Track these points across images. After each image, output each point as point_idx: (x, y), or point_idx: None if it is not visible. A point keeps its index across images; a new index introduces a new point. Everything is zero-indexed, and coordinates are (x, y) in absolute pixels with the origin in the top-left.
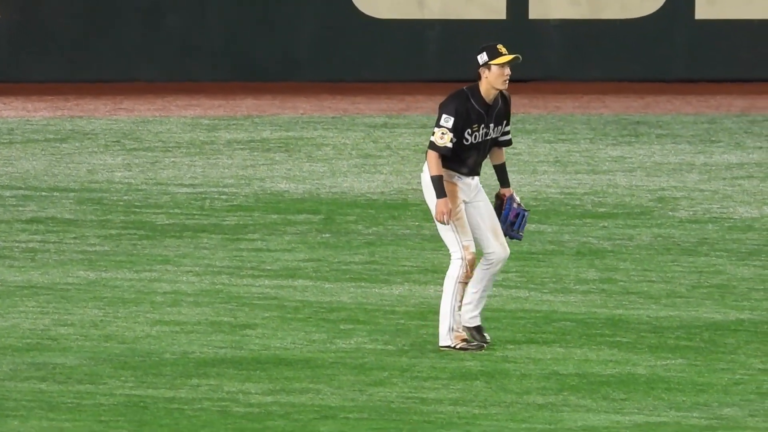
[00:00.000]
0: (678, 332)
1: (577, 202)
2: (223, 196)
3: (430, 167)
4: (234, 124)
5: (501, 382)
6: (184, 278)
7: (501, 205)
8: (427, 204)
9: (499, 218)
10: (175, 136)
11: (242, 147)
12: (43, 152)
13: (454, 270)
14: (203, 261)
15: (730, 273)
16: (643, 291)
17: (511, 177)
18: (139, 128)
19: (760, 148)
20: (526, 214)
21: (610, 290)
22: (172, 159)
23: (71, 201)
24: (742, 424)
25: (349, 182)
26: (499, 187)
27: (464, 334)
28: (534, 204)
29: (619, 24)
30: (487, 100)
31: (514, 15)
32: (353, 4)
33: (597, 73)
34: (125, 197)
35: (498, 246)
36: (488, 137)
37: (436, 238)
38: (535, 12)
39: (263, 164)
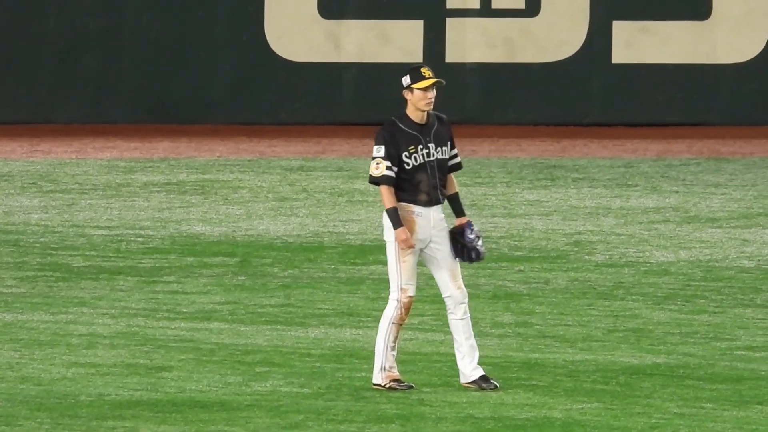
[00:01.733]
0: (594, 376)
1: (494, 246)
2: (140, 239)
3: (383, 201)
4: (150, 167)
5: (417, 425)
6: (100, 320)
7: (462, 232)
8: (385, 241)
9: (458, 248)
10: (92, 178)
11: (158, 189)
12: None
13: (389, 310)
14: (119, 303)
15: (646, 317)
16: (559, 335)
17: None
18: (56, 170)
19: (677, 192)
20: (477, 242)
21: (526, 334)
22: (89, 201)
23: None
24: None
25: (265, 225)
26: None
27: (396, 375)
28: None
29: (536, 67)
30: (416, 120)
31: (430, 57)
32: (269, 47)
33: (513, 116)
34: (42, 239)
35: (455, 289)
36: (433, 158)
37: (352, 281)
38: (452, 55)
39: (179, 207)
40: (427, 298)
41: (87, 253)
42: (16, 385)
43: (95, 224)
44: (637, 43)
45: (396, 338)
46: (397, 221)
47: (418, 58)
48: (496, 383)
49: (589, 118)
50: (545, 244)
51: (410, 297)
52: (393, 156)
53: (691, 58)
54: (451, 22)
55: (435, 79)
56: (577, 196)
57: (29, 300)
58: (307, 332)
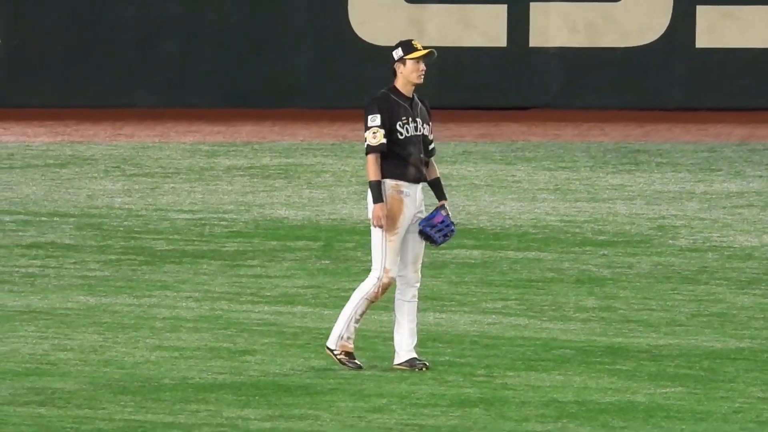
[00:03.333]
0: (677, 360)
1: (577, 230)
2: (223, 222)
3: (368, 172)
4: (233, 151)
5: (500, 409)
6: (184, 304)
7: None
8: (370, 219)
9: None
10: (175, 162)
11: (242, 173)
12: (42, 177)
13: (367, 285)
14: (202, 287)
15: (729, 301)
16: (643, 319)
17: (511, 204)
18: (139, 154)
19: (760, 176)
20: (452, 228)
21: (610, 318)
22: (172, 185)
23: (71, 226)
24: None
25: (348, 209)
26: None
27: (350, 348)
28: (533, 232)
29: (619, 52)
30: (405, 93)
31: (514, 43)
32: (353, 31)
33: (597, 101)
34: (125, 223)
35: (412, 272)
36: (419, 132)
37: (435, 265)
38: (535, 40)
39: (263, 191)
40: (510, 283)
41: (170, 237)
42: (100, 369)
43: (178, 208)
44: (721, 27)
45: (363, 314)
46: (378, 196)
47: (501, 42)
48: (426, 363)
49: (672, 102)
50: (629, 229)
51: (391, 278)
52: (387, 126)
53: None
54: (534, 7)
55: (427, 50)
56: (661, 180)
57: (113, 283)
58: (390, 316)
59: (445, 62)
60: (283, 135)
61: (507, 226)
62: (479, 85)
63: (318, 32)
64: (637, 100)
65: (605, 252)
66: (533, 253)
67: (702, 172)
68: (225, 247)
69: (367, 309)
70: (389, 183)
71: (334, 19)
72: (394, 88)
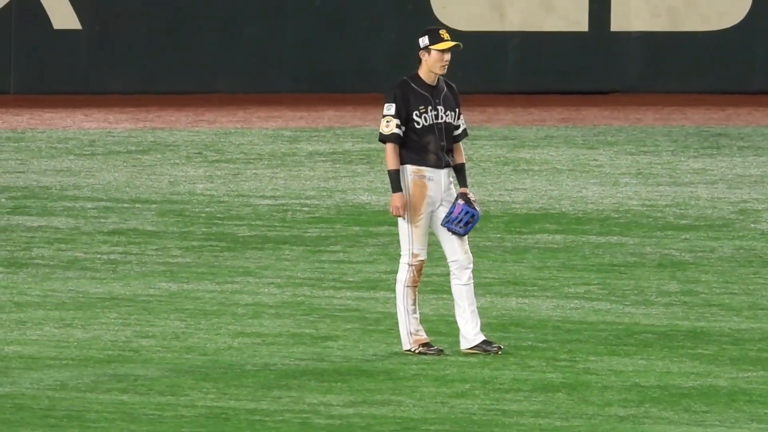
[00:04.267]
0: (760, 344)
1: (659, 214)
2: (305, 208)
3: (387, 161)
4: (315, 136)
5: (583, 394)
6: (266, 290)
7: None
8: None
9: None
10: (257, 148)
11: (324, 159)
12: (124, 164)
13: (402, 274)
14: (285, 273)
15: None
16: (725, 303)
17: (593, 189)
18: (221, 140)
19: None
20: (474, 213)
21: (692, 302)
22: (254, 171)
23: (153, 213)
24: None
25: None
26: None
27: (424, 338)
28: (615, 216)
29: (700, 36)
30: (428, 82)
31: (595, 27)
32: (434, 15)
33: (678, 85)
34: (207, 209)
35: (462, 254)
36: (441, 120)
37: (517, 250)
38: (616, 24)
39: (345, 176)
40: (592, 267)
41: (252, 223)
42: (182, 355)
43: (260, 194)
44: None
45: (414, 300)
46: (396, 185)
47: (583, 27)
48: (499, 346)
49: (753, 86)
50: (711, 213)
51: (421, 261)
52: (403, 115)
53: None
54: None
55: (453, 43)
56: (743, 164)
57: (195, 270)
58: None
59: (526, 47)
60: (365, 120)
61: (589, 211)
62: (561, 70)
63: (400, 17)
64: (718, 84)
65: (687, 236)
66: (615, 237)
67: None
68: (307, 232)
69: (415, 295)
70: (410, 168)
71: (416, 4)
72: (416, 75)
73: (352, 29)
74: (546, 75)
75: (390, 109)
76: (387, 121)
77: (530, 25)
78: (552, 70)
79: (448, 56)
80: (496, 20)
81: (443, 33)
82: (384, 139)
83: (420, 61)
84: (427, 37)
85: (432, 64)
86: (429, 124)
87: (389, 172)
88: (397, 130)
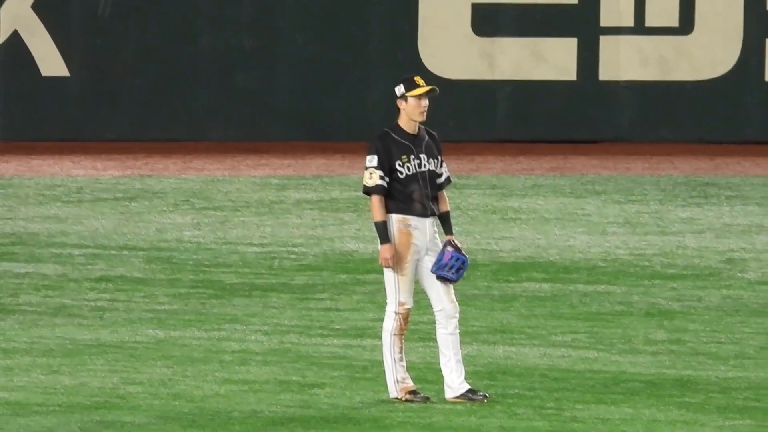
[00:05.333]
0: (746, 393)
1: (647, 263)
2: (293, 256)
3: (373, 213)
4: (303, 184)
5: None
6: (253, 337)
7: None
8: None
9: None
10: (245, 195)
11: (311, 207)
12: (112, 211)
13: (388, 322)
14: (272, 320)
15: None
16: (712, 352)
17: (581, 238)
18: (209, 187)
19: None
20: (464, 259)
21: (679, 351)
22: (242, 218)
23: (140, 260)
24: None
25: None
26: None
27: (410, 386)
28: (603, 265)
29: (690, 85)
30: (408, 131)
31: (584, 76)
32: (423, 65)
33: (667, 134)
34: (194, 256)
35: (448, 303)
36: (424, 168)
37: (505, 298)
38: (605, 73)
39: (332, 224)
40: (580, 316)
41: (240, 270)
42: (169, 402)
43: (248, 241)
44: None
45: (401, 349)
46: (384, 236)
47: (572, 76)
48: (485, 394)
49: (743, 135)
50: (698, 262)
51: (408, 309)
52: (386, 166)
53: None
54: (604, 40)
55: (428, 87)
56: (730, 213)
57: (182, 317)
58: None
59: (516, 95)
60: (353, 168)
61: (576, 260)
62: (550, 119)
63: (390, 66)
64: (707, 134)
65: (674, 285)
66: (603, 286)
67: None
68: (294, 280)
69: (402, 343)
70: (396, 218)
71: (405, 53)
72: (397, 125)
73: (343, 78)
74: (535, 124)
75: (372, 161)
76: (370, 173)
77: (520, 74)
78: (541, 119)
79: (425, 102)
80: (486, 69)
81: (418, 79)
82: (368, 191)
83: (399, 110)
84: (402, 85)
85: (410, 111)
86: (412, 173)
87: (376, 224)
88: (380, 182)
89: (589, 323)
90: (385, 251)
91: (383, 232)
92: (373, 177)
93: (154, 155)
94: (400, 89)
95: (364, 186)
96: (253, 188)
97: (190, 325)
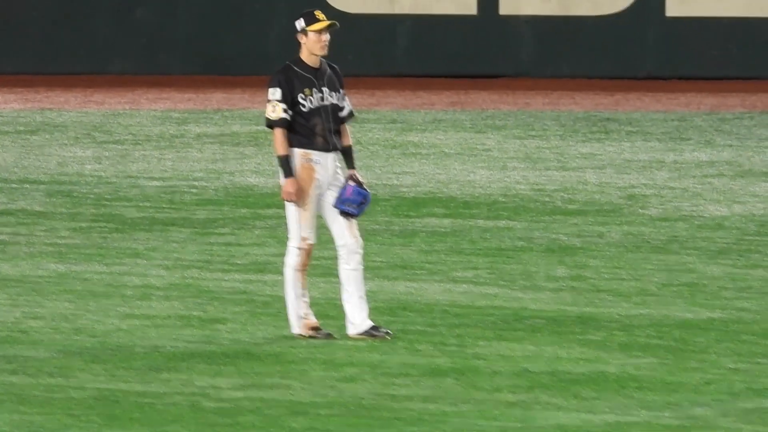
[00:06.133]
0: (648, 330)
1: (547, 199)
2: (193, 190)
3: (276, 147)
4: (204, 118)
5: (472, 379)
6: (154, 272)
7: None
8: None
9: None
10: (145, 129)
11: (212, 141)
12: (13, 144)
13: (290, 258)
14: (173, 255)
15: (700, 271)
16: (614, 289)
17: (481, 173)
18: (110, 121)
19: (730, 146)
20: (366, 194)
21: (581, 288)
22: (142, 152)
23: (41, 193)
24: (714, 424)
25: None
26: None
27: (313, 322)
28: (503, 201)
29: (590, 21)
30: (310, 64)
31: (484, 11)
32: None
33: (567, 69)
34: (95, 190)
35: (350, 238)
36: (326, 102)
37: (405, 233)
38: (505, 8)
39: (233, 158)
40: (480, 251)
41: (140, 204)
42: (71, 337)
43: (149, 175)
44: None
45: (303, 285)
46: (288, 170)
47: (472, 10)
48: (387, 330)
49: (643, 71)
50: (599, 198)
51: (310, 244)
52: (288, 99)
53: (746, 12)
54: None
55: (329, 22)
56: (631, 149)
57: (83, 251)
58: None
59: (416, 30)
60: (253, 102)
61: (477, 195)
62: (450, 53)
63: (291, 0)
64: (607, 69)
65: (575, 221)
66: (503, 222)
67: (672, 141)
68: (195, 215)
69: (304, 279)
70: (298, 152)
71: None
72: (299, 59)
73: (244, 13)
74: (436, 58)
75: (275, 93)
76: (273, 106)
77: (420, 8)
78: (441, 53)
79: (326, 36)
80: (387, 4)
81: (318, 14)
82: (271, 124)
83: (300, 44)
84: (302, 19)
85: (311, 45)
86: (315, 107)
87: (279, 158)
88: (284, 115)
89: (490, 259)
90: (288, 185)
91: (286, 166)
92: (276, 110)
93: (55, 88)
94: (300, 23)
95: (267, 119)
96: (153, 122)
97: (92, 259)
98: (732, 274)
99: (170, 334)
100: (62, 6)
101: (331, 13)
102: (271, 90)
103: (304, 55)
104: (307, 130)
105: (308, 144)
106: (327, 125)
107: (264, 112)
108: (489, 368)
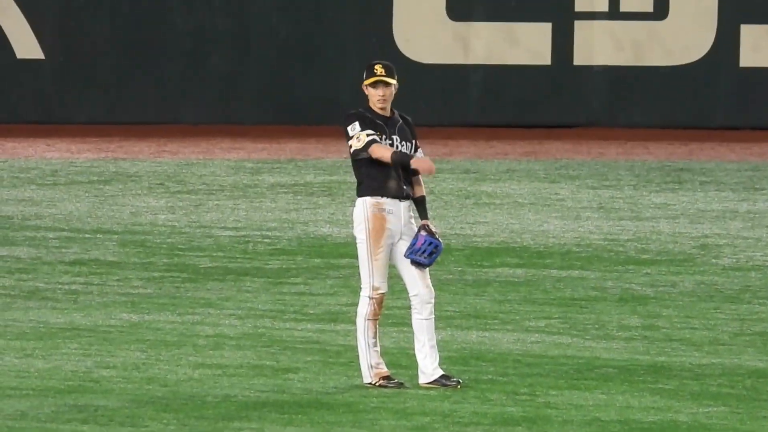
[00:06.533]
0: (720, 379)
1: (621, 249)
2: (266, 240)
3: (380, 155)
4: (278, 168)
5: (543, 427)
6: (227, 321)
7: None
8: (355, 236)
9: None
10: (219, 179)
11: (286, 190)
12: (86, 194)
13: (362, 308)
14: (246, 304)
15: None
16: (686, 338)
17: (555, 223)
18: (183, 171)
19: None
20: (437, 243)
21: (653, 337)
22: (216, 202)
23: (114, 243)
24: None
25: None
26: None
27: (384, 371)
28: (577, 250)
29: (664, 70)
30: (380, 113)
31: (558, 60)
32: (397, 48)
33: (641, 119)
34: (168, 240)
35: (423, 288)
36: (397, 149)
37: (479, 283)
38: (579, 58)
39: (306, 208)
40: (553, 301)
41: (214, 254)
42: (143, 386)
43: (222, 225)
44: (765, 46)
45: (375, 334)
46: (405, 156)
47: (546, 60)
48: (458, 380)
49: (716, 121)
50: (672, 247)
51: (382, 294)
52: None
53: None
54: (579, 25)
55: (377, 77)
56: (705, 199)
57: (156, 301)
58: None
59: (490, 79)
60: (327, 152)
61: (550, 245)
62: (524, 103)
63: (364, 49)
64: (681, 119)
65: (648, 270)
66: (577, 271)
67: (746, 191)
68: (268, 264)
69: (376, 328)
70: (370, 201)
71: (380, 37)
72: (368, 107)
73: (317, 61)
74: (509, 108)
75: (355, 128)
76: (357, 138)
77: (494, 58)
78: (515, 103)
79: (381, 91)
80: (460, 53)
81: (378, 68)
82: (365, 147)
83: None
84: (365, 71)
85: (371, 98)
86: (388, 143)
87: (392, 158)
88: (371, 137)
89: (563, 308)
90: (420, 161)
91: (402, 156)
92: (362, 138)
93: (128, 138)
94: (364, 75)
95: (355, 151)
96: (227, 172)
97: (164, 308)
98: None
99: (242, 384)
100: (135, 55)
101: (403, 63)
102: (349, 127)
103: (372, 105)
104: (380, 175)
105: (380, 190)
106: (398, 172)
107: (349, 146)
108: (560, 417)
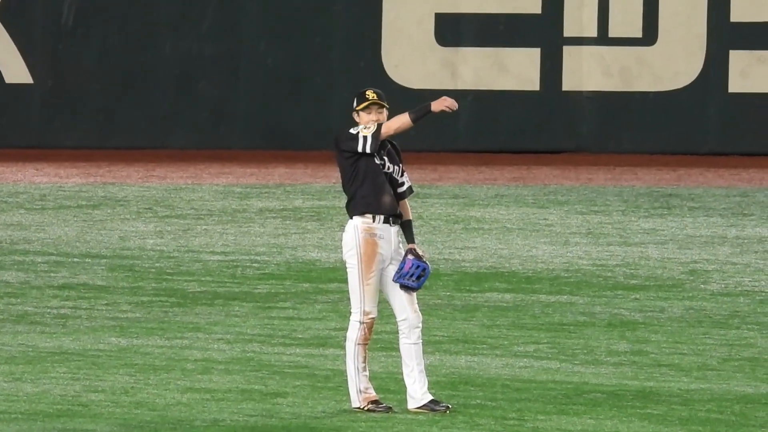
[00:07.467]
0: (709, 405)
1: (609, 274)
2: (255, 264)
3: (398, 124)
4: (266, 193)
5: None
6: (215, 346)
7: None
8: (345, 261)
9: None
10: (208, 204)
11: (274, 215)
12: (75, 218)
13: (352, 332)
14: (234, 329)
15: (761, 346)
16: (675, 363)
17: (543, 248)
18: (172, 195)
19: None
20: (425, 266)
21: (642, 362)
22: (204, 226)
23: (103, 267)
24: None
25: None
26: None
27: (373, 396)
28: (565, 276)
29: (652, 96)
30: None
31: (547, 86)
32: (386, 74)
33: (629, 144)
34: (157, 264)
35: (411, 313)
36: (388, 170)
37: (467, 308)
38: (568, 83)
39: (295, 233)
40: (542, 326)
41: (202, 279)
42: (131, 410)
43: (211, 250)
44: (754, 72)
45: (365, 359)
46: (423, 106)
47: (535, 86)
48: (447, 405)
49: (705, 147)
50: (661, 273)
51: (372, 318)
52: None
53: None
54: (567, 50)
55: (369, 101)
56: (693, 224)
57: (144, 325)
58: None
59: (478, 105)
60: (315, 177)
61: (539, 270)
62: (513, 129)
63: (352, 74)
64: (670, 145)
65: (637, 296)
66: (565, 296)
67: (734, 216)
68: (257, 289)
69: (366, 353)
70: (361, 226)
71: (368, 62)
72: None
73: (305, 86)
74: (498, 134)
75: (355, 128)
76: (365, 128)
77: (482, 84)
78: (504, 129)
79: (375, 115)
80: (448, 79)
81: (368, 93)
82: (377, 131)
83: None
84: (355, 99)
85: (364, 124)
86: (380, 163)
87: (410, 114)
88: (376, 124)
89: (552, 334)
90: (438, 102)
91: (420, 108)
92: (369, 127)
93: (116, 163)
94: (354, 103)
95: (364, 137)
96: (216, 196)
97: (153, 333)
98: None
99: (231, 408)
100: (124, 80)
101: (392, 88)
102: (350, 131)
103: None
104: (375, 189)
105: (372, 206)
106: (389, 188)
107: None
108: None
